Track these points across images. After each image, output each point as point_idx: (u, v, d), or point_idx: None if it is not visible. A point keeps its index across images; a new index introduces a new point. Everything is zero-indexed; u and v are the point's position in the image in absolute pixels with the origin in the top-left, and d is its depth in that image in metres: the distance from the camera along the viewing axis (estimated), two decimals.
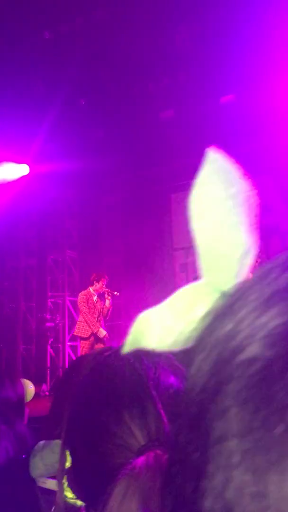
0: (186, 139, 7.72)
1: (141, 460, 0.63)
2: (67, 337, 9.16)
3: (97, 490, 0.67)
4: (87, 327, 6.74)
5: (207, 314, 0.33)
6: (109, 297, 6.98)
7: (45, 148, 7.73)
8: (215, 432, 0.28)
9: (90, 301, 6.92)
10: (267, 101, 7.06)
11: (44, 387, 8.16)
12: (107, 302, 6.98)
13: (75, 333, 7.06)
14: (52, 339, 9.09)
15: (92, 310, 6.87)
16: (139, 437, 0.65)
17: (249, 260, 0.41)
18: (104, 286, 6.99)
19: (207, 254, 0.40)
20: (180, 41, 6.65)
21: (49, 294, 9.49)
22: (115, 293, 7.11)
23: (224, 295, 0.33)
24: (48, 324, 9.01)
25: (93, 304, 6.92)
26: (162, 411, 0.68)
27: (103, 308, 6.96)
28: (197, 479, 0.28)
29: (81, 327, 6.80)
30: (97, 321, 6.85)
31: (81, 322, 6.89)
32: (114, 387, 0.71)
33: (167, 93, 7.44)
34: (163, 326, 0.40)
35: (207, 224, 0.41)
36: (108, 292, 6.99)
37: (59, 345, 9.13)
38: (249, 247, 0.42)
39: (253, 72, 6.59)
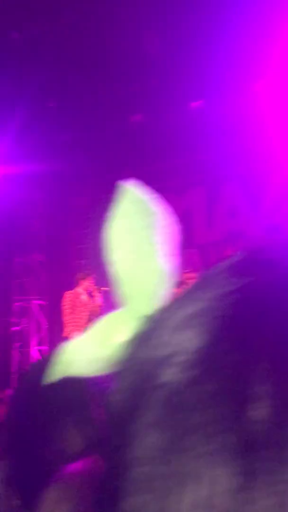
0: (155, 144, 7.75)
1: (76, 465, 0.62)
2: (34, 342, 9.05)
3: (33, 495, 0.66)
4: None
5: (129, 340, 0.33)
6: (98, 295, 6.84)
7: (12, 149, 7.64)
8: (131, 454, 0.27)
9: (77, 301, 6.77)
10: (237, 107, 7.14)
11: (7, 392, 8.03)
12: (97, 300, 6.83)
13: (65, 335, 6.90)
14: (19, 343, 8.96)
15: (80, 310, 6.70)
16: (76, 443, 0.64)
17: (168, 285, 0.41)
18: (92, 284, 6.84)
19: (125, 283, 0.39)
20: (149, 45, 6.66)
21: (16, 298, 9.36)
22: (104, 288, 6.91)
23: (145, 320, 0.32)
24: (14, 328, 8.87)
25: (82, 304, 6.76)
26: (102, 416, 0.67)
27: (94, 307, 6.78)
28: (118, 497, 0.28)
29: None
30: (89, 320, 6.67)
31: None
32: (53, 394, 0.70)
33: (136, 98, 7.45)
34: (89, 354, 0.39)
35: (123, 254, 0.40)
36: (96, 289, 6.83)
37: (27, 349, 9.01)
38: (166, 273, 0.42)
39: (223, 78, 6.65)
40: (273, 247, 0.35)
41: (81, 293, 6.81)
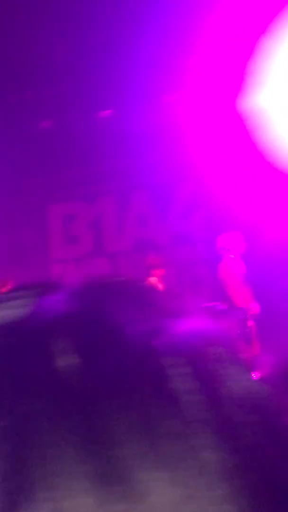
0: (66, 152, 7.70)
1: None
2: None
3: None
4: None
5: None
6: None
7: None
8: None
9: None
10: (146, 117, 7.19)
11: None
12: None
13: None
14: None
15: None
16: None
17: None
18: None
19: None
20: (61, 53, 6.62)
21: None
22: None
23: None
24: None
25: None
26: None
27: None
28: None
29: None
30: None
31: None
32: None
33: (46, 104, 7.39)
34: None
35: None
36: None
37: None
38: None
39: (133, 88, 6.69)
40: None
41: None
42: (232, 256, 5.69)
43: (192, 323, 0.34)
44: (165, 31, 5.85)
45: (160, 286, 6.34)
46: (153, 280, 6.38)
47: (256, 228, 6.32)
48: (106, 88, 6.84)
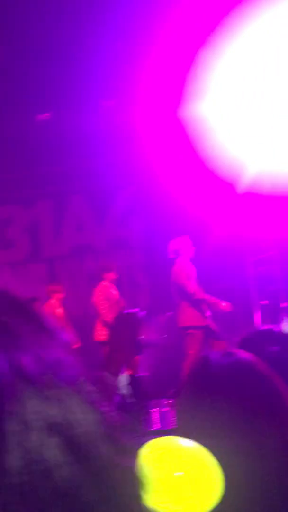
0: (2, 155, 7.52)
1: None
2: None
3: None
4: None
5: None
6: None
7: None
8: None
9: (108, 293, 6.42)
10: (85, 121, 7.16)
11: None
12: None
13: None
14: None
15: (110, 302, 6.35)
16: None
17: None
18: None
19: None
20: None
21: None
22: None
23: None
24: None
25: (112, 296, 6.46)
26: None
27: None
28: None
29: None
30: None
31: None
32: None
33: None
34: None
35: None
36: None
37: None
38: None
39: (72, 91, 6.63)
40: None
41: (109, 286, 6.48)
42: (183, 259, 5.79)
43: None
44: (107, 37, 5.87)
45: (59, 311, 6.45)
46: (52, 303, 6.47)
47: (200, 231, 6.47)
48: (43, 91, 6.76)
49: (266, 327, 1.58)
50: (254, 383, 0.90)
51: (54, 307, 6.45)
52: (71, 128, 7.18)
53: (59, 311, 6.52)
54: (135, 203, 7.90)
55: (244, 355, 0.96)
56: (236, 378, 0.90)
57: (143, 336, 1.58)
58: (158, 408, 4.54)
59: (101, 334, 5.93)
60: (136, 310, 1.55)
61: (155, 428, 4.45)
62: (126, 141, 7.32)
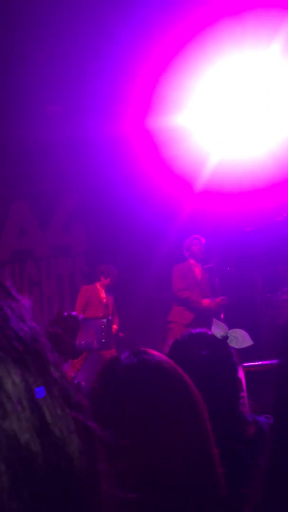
0: None
1: None
2: None
3: None
4: None
5: None
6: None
7: None
8: None
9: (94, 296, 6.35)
10: (29, 123, 7.05)
11: None
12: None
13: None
14: None
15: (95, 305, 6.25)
16: None
17: None
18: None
19: None
20: None
21: None
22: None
23: None
24: None
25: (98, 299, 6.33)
26: None
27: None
28: None
29: None
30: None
31: None
32: None
33: None
34: None
35: None
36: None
37: None
38: None
39: (17, 94, 6.51)
40: None
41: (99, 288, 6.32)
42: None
43: None
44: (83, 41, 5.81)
45: None
46: None
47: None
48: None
49: (198, 330, 1.60)
50: (159, 382, 0.89)
51: None
52: (13, 131, 7.06)
53: None
54: (79, 209, 7.87)
55: (152, 354, 0.95)
56: (141, 377, 0.90)
57: (82, 342, 1.57)
58: None
59: None
60: (75, 313, 1.54)
61: None
62: (73, 146, 7.29)
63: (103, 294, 6.40)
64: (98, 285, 6.42)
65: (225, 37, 5.46)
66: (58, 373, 0.40)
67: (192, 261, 5.99)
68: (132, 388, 0.88)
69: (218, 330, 1.66)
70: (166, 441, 0.84)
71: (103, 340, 1.48)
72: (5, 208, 7.92)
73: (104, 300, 6.35)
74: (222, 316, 6.42)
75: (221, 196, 6.23)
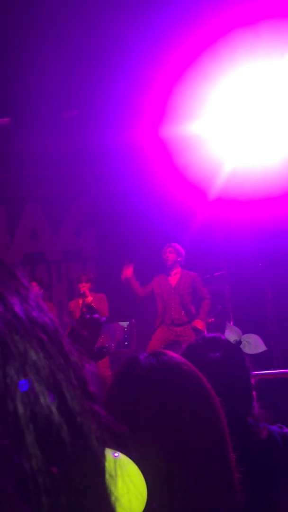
0: None
1: None
2: None
3: None
4: None
5: None
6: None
7: None
8: None
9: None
10: (43, 127, 7.10)
11: None
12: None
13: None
14: None
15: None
16: None
17: None
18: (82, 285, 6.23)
19: None
20: None
21: None
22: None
23: None
24: None
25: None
26: None
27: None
28: None
29: None
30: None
31: None
32: None
33: None
34: None
35: None
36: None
37: None
38: None
39: (30, 100, 6.58)
40: None
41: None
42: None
43: None
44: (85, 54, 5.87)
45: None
46: None
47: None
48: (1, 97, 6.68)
49: (212, 334, 1.62)
50: (178, 383, 0.90)
51: None
52: (29, 135, 7.12)
53: None
54: (91, 214, 7.90)
55: (171, 355, 0.96)
56: (161, 378, 0.90)
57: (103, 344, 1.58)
58: None
59: None
60: (97, 315, 1.54)
61: None
62: (86, 152, 7.34)
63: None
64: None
65: (239, 46, 5.49)
66: (76, 364, 0.43)
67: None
68: (151, 388, 0.88)
69: (231, 334, 1.68)
70: (184, 443, 0.84)
71: (126, 343, 1.48)
72: (18, 210, 7.99)
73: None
74: (231, 323, 6.41)
75: (235, 204, 6.24)
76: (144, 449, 0.78)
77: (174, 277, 5.74)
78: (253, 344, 1.58)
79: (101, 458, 0.41)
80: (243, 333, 1.62)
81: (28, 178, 7.68)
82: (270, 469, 1.43)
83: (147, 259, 6.68)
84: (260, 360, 1.87)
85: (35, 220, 8.02)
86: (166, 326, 5.56)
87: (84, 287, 6.14)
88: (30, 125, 6.96)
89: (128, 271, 5.71)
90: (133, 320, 6.30)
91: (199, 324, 5.57)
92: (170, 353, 0.98)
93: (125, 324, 6.34)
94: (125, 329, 6.24)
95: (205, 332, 6.34)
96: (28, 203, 8.00)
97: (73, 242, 7.97)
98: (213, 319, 6.40)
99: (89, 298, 6.09)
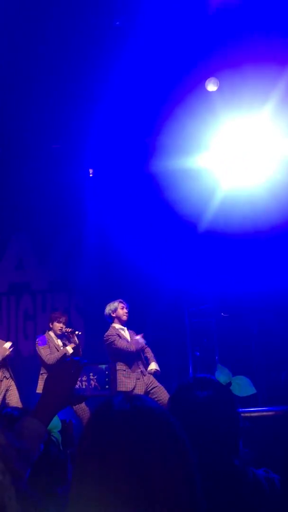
0: None
1: None
2: None
3: None
4: None
5: None
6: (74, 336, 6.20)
7: None
8: None
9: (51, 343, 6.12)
10: (30, 159, 7.14)
11: None
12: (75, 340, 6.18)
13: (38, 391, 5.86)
14: None
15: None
16: None
17: None
18: (63, 326, 6.19)
19: None
20: None
21: None
22: (77, 332, 6.24)
23: None
24: None
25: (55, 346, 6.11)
26: None
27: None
28: None
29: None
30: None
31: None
32: None
33: None
34: None
35: None
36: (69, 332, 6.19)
37: None
38: None
39: (18, 131, 6.63)
40: None
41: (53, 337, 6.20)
42: None
43: None
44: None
45: None
46: None
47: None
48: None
49: (202, 375, 1.62)
50: (148, 429, 0.90)
51: None
52: (18, 166, 7.17)
53: None
54: (78, 245, 7.90)
55: (145, 400, 0.97)
56: (132, 422, 0.91)
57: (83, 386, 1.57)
58: None
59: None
60: (78, 358, 1.54)
61: None
62: (73, 183, 7.41)
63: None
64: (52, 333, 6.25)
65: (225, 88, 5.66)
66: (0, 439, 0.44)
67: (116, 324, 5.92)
68: (122, 433, 0.89)
69: (222, 375, 1.67)
70: (150, 489, 0.85)
71: (107, 386, 1.47)
72: (4, 240, 7.97)
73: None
74: (216, 357, 6.39)
75: (223, 237, 6.31)
76: (114, 493, 0.82)
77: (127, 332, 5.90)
78: (243, 386, 1.57)
79: None
80: (233, 374, 1.61)
81: (16, 208, 7.69)
82: None
83: (134, 291, 6.68)
84: (245, 398, 1.86)
85: (22, 250, 8.00)
86: (142, 376, 5.66)
87: (65, 328, 6.18)
88: (19, 156, 7.02)
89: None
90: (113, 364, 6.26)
91: (154, 365, 5.70)
92: (145, 397, 0.99)
93: (105, 366, 6.27)
94: (106, 372, 6.17)
95: (188, 365, 6.32)
96: (15, 233, 7.99)
97: (60, 273, 7.94)
98: (195, 353, 6.38)
99: (76, 340, 6.14)
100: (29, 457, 1.28)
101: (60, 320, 6.20)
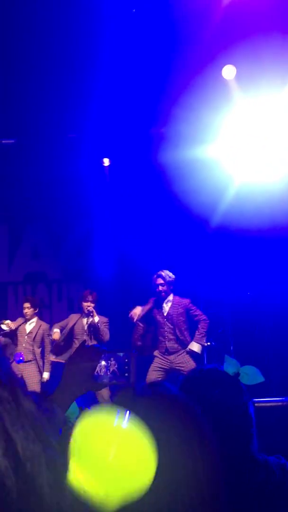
0: None
1: None
2: None
3: None
4: None
5: None
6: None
7: None
8: None
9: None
10: (45, 148, 7.16)
11: None
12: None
13: None
14: None
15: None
16: None
17: None
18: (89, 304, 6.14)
19: None
20: None
21: None
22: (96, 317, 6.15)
23: None
24: None
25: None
26: None
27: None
28: None
29: None
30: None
31: None
32: None
33: None
34: None
35: None
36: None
37: None
38: None
39: (33, 120, 6.64)
40: None
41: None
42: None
43: None
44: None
45: None
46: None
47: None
48: (7, 118, 6.76)
49: (209, 366, 1.61)
50: (170, 417, 0.90)
51: None
52: (33, 156, 7.19)
53: None
54: (93, 234, 7.92)
55: (168, 387, 0.97)
56: (153, 409, 0.91)
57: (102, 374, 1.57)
58: None
59: None
60: (98, 345, 1.54)
61: None
62: (88, 172, 7.41)
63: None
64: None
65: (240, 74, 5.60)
66: (30, 406, 0.44)
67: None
68: (144, 420, 0.87)
69: (229, 366, 1.68)
70: (172, 477, 0.84)
71: (126, 374, 1.48)
72: (20, 230, 8.03)
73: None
74: (231, 347, 6.39)
75: (237, 231, 6.28)
76: None
77: (166, 306, 5.74)
78: (251, 376, 1.58)
79: (51, 505, 0.41)
80: (242, 363, 1.62)
81: (30, 198, 7.73)
82: (268, 501, 1.43)
83: (148, 281, 6.69)
84: (259, 388, 1.87)
85: (37, 240, 8.05)
86: (161, 355, 5.57)
87: (90, 306, 6.11)
88: (34, 146, 7.04)
89: (138, 312, 5.69)
90: (133, 351, 6.25)
91: (194, 346, 5.53)
92: (168, 385, 0.99)
93: (122, 354, 6.25)
94: (126, 360, 6.15)
95: (203, 355, 6.30)
96: (30, 223, 8.05)
97: (75, 262, 7.97)
98: (210, 343, 6.34)
99: (96, 318, 6.08)
100: (59, 425, 1.28)
101: (87, 298, 6.18)
